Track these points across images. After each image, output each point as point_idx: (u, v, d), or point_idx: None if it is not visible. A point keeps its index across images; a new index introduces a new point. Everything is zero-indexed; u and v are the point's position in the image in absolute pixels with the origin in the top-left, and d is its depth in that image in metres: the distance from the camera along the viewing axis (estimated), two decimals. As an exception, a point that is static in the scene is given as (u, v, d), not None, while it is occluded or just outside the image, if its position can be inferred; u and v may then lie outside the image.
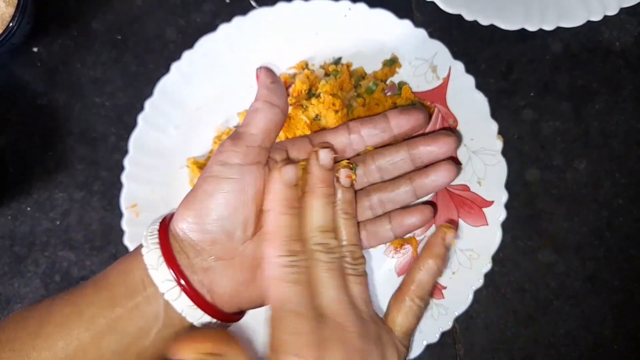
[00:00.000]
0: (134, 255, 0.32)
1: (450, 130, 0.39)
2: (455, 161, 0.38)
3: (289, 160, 0.34)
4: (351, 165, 0.35)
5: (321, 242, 0.32)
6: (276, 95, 0.33)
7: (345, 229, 0.33)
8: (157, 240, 0.32)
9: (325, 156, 0.33)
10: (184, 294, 0.31)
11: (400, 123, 0.36)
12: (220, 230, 0.31)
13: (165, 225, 0.33)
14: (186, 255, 0.31)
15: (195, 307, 0.31)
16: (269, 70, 0.34)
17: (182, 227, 0.32)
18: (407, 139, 0.37)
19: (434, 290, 0.37)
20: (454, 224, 0.39)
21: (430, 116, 0.39)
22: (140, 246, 0.32)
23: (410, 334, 0.35)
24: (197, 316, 0.31)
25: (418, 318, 0.35)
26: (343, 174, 0.34)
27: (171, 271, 0.31)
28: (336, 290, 0.31)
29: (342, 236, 0.33)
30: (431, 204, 0.39)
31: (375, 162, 0.36)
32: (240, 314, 0.34)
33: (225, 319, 0.33)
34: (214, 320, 0.32)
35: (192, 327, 0.32)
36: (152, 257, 0.31)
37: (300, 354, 0.29)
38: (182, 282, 0.31)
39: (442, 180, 0.36)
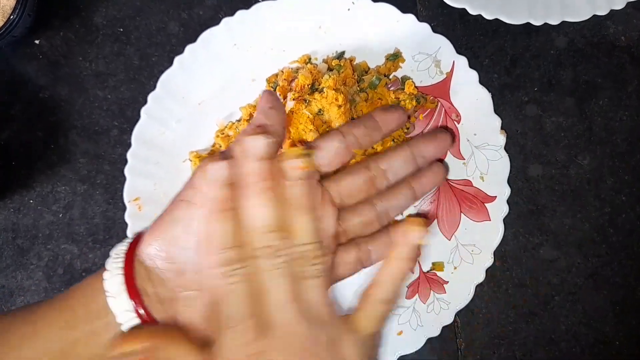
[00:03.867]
0: (101, 276, 0.30)
1: (445, 129, 0.39)
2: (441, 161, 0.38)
3: (214, 157, 0.29)
4: (308, 152, 0.30)
5: (263, 245, 0.28)
6: (270, 122, 0.30)
7: (297, 225, 0.29)
8: (122, 264, 0.29)
9: (255, 144, 0.29)
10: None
11: (386, 120, 0.34)
12: (187, 261, 0.29)
13: (134, 247, 0.30)
14: (152, 283, 0.29)
15: None
16: (271, 95, 0.31)
17: (148, 253, 0.29)
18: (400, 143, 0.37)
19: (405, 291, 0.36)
20: (430, 217, 0.38)
21: (408, 116, 0.39)
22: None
23: (375, 335, 0.31)
24: None
25: (382, 320, 0.31)
26: (289, 165, 0.29)
27: (131, 302, 0.28)
28: (283, 297, 0.28)
29: (295, 235, 0.29)
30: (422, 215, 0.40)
31: (379, 165, 0.34)
32: None
33: None
34: None
35: None
36: (113, 283, 0.29)
37: None
38: (143, 314, 0.28)
39: (437, 179, 0.35)
